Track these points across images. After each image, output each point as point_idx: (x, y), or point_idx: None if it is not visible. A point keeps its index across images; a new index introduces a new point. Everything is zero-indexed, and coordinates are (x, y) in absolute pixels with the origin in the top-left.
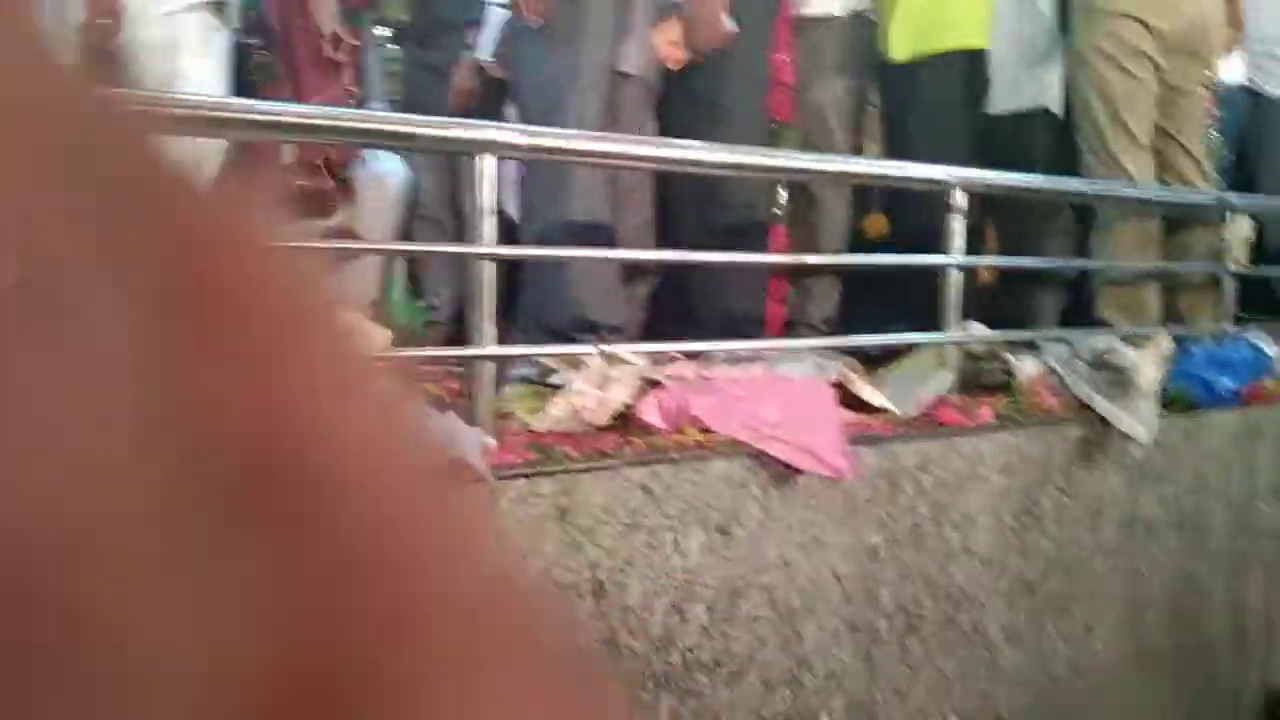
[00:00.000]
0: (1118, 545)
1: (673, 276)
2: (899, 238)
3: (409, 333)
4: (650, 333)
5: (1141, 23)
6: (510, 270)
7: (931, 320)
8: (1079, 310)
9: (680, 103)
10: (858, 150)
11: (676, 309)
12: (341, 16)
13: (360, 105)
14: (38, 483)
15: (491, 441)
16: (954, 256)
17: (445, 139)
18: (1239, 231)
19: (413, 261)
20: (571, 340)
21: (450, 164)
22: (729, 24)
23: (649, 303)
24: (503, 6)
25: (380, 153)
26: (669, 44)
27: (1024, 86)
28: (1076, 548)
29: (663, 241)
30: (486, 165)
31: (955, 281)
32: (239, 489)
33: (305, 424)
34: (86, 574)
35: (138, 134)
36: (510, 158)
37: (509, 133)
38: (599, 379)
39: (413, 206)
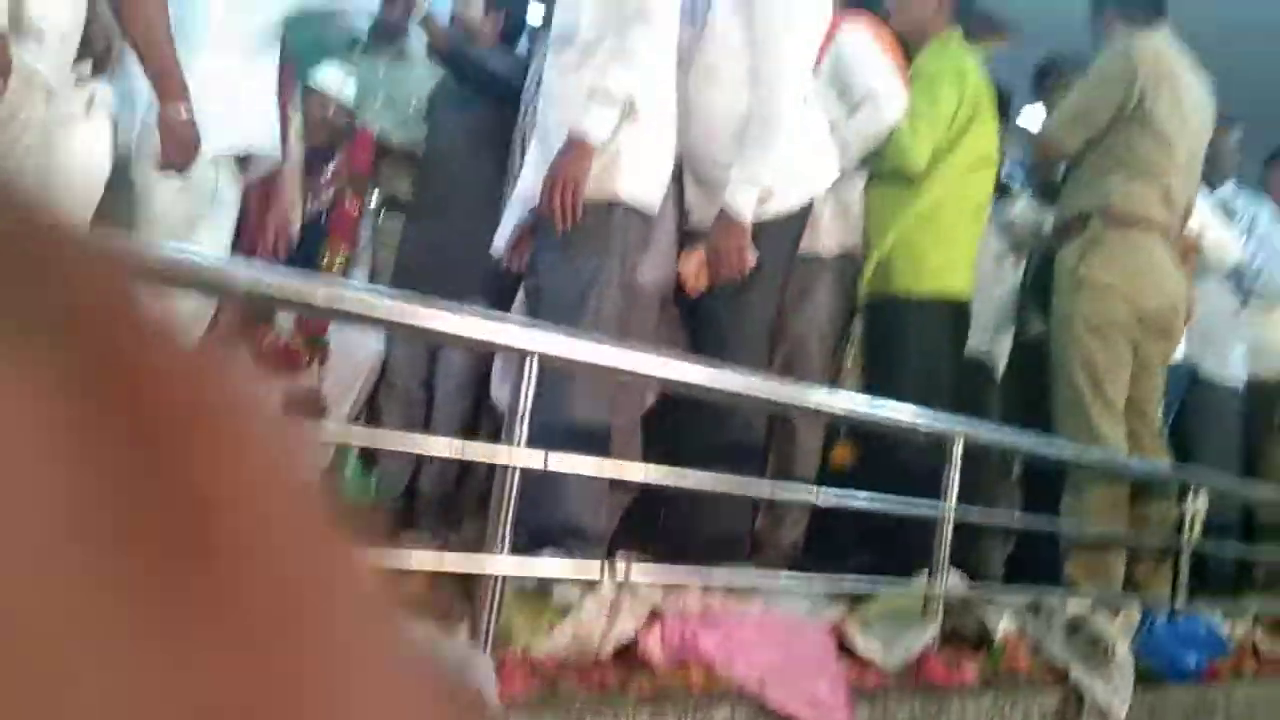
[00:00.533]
0: None
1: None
2: (866, 469)
3: (364, 511)
4: (625, 545)
5: (1128, 300)
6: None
7: (899, 557)
8: (1039, 568)
9: (692, 326)
10: (834, 380)
11: (653, 520)
12: (347, 185)
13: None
14: None
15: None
16: (949, 506)
17: (495, 341)
18: (1199, 507)
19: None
20: (555, 544)
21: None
22: (752, 258)
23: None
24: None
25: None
26: (695, 273)
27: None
28: None
29: (650, 446)
30: (532, 368)
31: (947, 532)
32: None
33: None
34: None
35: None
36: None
37: (559, 339)
38: (608, 604)
39: (381, 374)
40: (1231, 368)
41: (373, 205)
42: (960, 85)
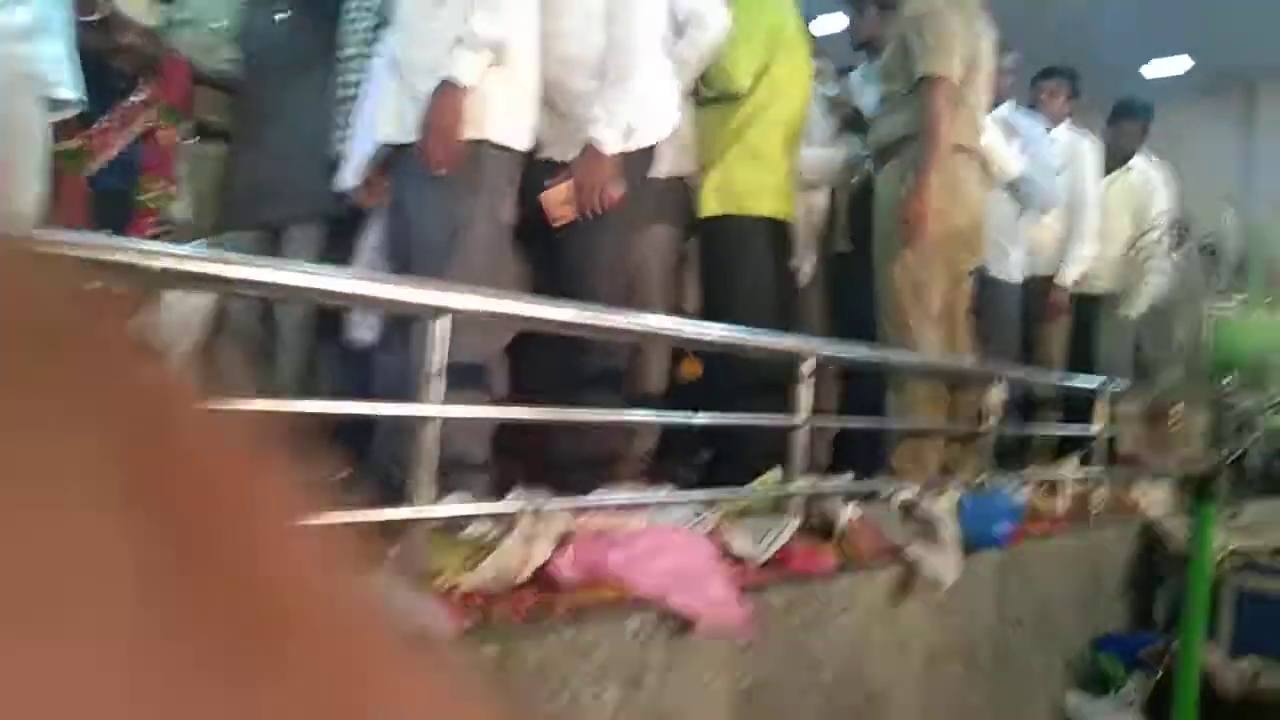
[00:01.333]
0: (920, 674)
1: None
2: (711, 379)
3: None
4: (505, 467)
5: (944, 220)
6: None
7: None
8: (857, 456)
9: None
10: (678, 301)
11: (531, 444)
12: (159, 116)
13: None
14: None
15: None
16: (801, 418)
17: (403, 303)
18: (998, 396)
19: None
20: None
21: (259, 254)
22: (616, 191)
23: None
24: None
25: None
26: (560, 205)
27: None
28: (897, 677)
29: (516, 367)
30: (441, 328)
31: (803, 441)
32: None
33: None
34: None
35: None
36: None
37: (469, 298)
38: (525, 535)
39: (220, 318)
40: (1012, 268)
41: (185, 135)
42: (768, 20)
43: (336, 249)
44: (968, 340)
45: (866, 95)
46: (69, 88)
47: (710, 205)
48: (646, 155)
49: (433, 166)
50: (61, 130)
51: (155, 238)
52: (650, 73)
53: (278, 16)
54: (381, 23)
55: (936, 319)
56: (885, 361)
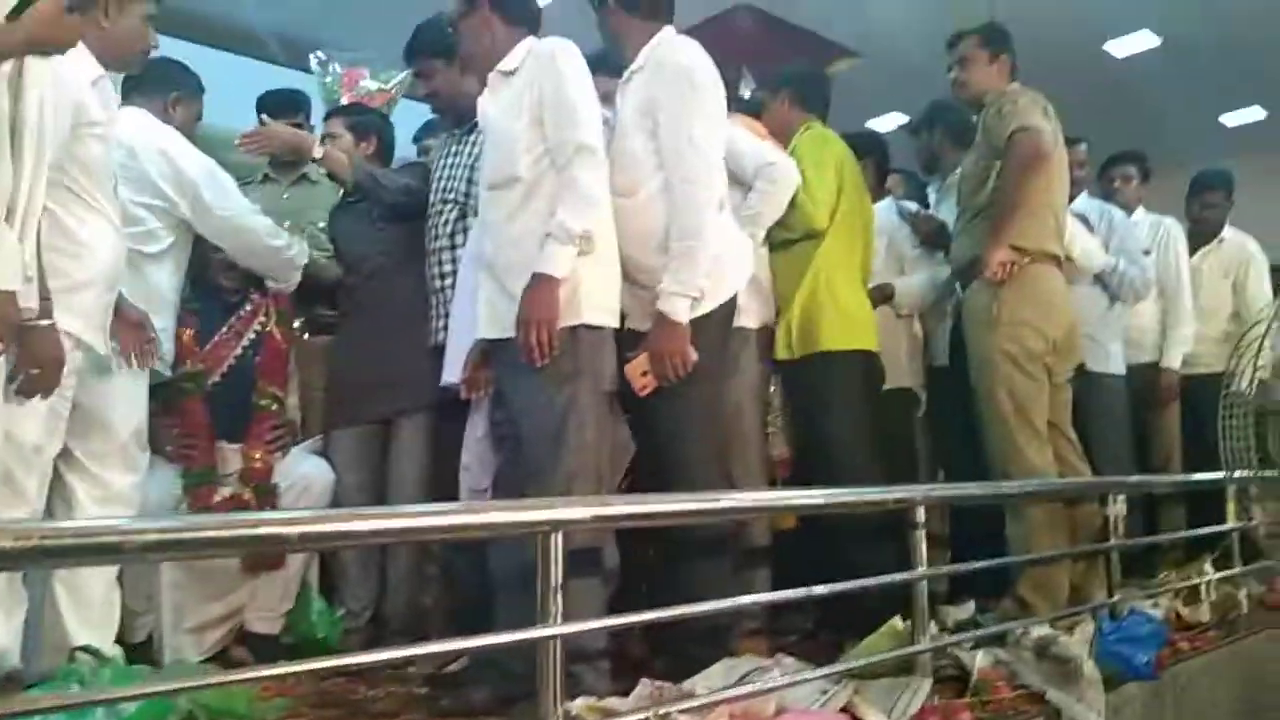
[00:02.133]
0: None
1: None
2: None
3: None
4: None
5: (1040, 331)
6: None
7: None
8: (996, 590)
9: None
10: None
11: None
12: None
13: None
14: None
15: None
16: (920, 570)
17: (515, 524)
18: (1120, 509)
19: (324, 569)
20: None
21: (369, 460)
22: (693, 355)
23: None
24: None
25: (303, 455)
26: (641, 375)
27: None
28: None
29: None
30: (557, 543)
31: (924, 593)
32: None
33: None
34: None
35: None
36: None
37: (578, 508)
38: None
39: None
40: (1113, 361)
41: (294, 335)
42: (835, 157)
43: (444, 436)
44: (1078, 450)
45: (942, 214)
46: (163, 365)
47: (794, 346)
48: (726, 309)
49: (534, 359)
50: (180, 353)
51: (273, 441)
52: (716, 234)
53: (377, 224)
54: (465, 213)
55: (1045, 436)
56: (999, 495)
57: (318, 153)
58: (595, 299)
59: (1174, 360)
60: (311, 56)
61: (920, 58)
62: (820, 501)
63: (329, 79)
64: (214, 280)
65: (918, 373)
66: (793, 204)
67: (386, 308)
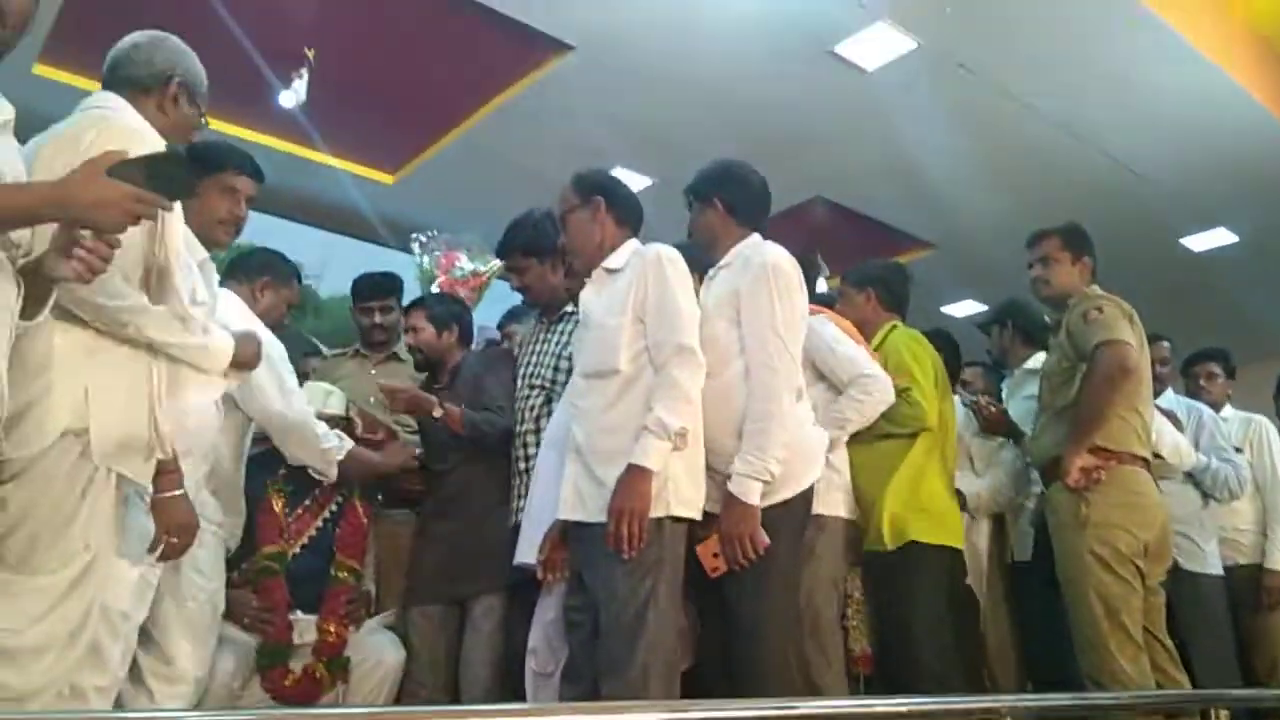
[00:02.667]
0: None
1: None
2: None
3: None
4: None
5: (1130, 533)
6: None
7: None
8: None
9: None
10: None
11: None
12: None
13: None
14: None
15: None
16: None
17: None
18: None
19: None
20: None
21: (443, 639)
22: (764, 539)
23: None
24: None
25: (377, 629)
26: (713, 556)
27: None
28: None
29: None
30: None
31: None
32: None
33: None
34: None
35: None
36: None
37: (653, 714)
38: None
39: (403, 682)
40: (1210, 561)
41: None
42: (930, 357)
43: (514, 616)
44: (1175, 658)
45: (1012, 407)
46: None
47: (884, 539)
48: (804, 498)
49: (624, 549)
50: (267, 527)
51: (347, 614)
52: (793, 421)
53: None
54: (550, 398)
55: (1139, 643)
56: (1090, 704)
57: (437, 412)
58: (683, 492)
59: (1277, 561)
60: (413, 238)
61: (993, 248)
62: (904, 710)
63: (427, 261)
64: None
65: (979, 571)
66: (904, 401)
67: (469, 492)
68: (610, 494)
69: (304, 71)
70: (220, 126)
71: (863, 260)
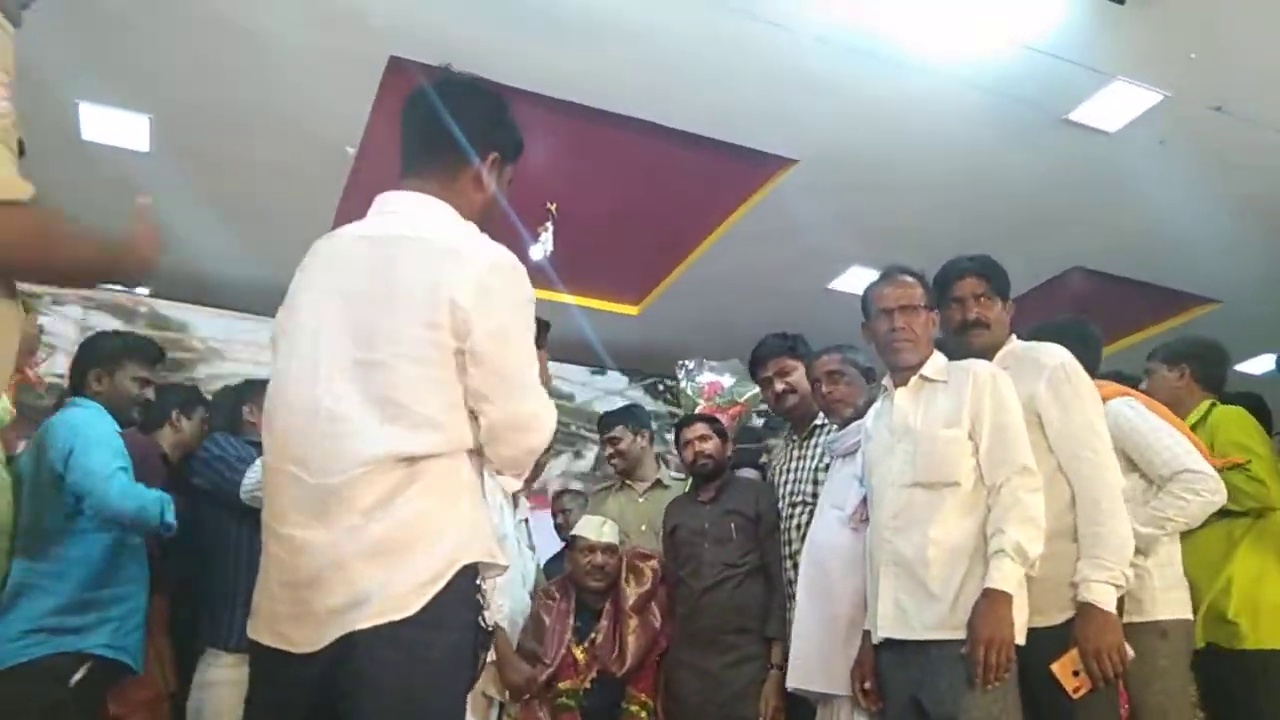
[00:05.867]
0: None
1: None
2: None
3: None
4: None
5: None
6: None
7: None
8: None
9: None
10: None
11: None
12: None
13: None
14: None
15: None
16: None
17: None
18: None
19: None
20: None
21: None
22: (1129, 649)
23: None
24: None
25: None
26: (1071, 675)
27: None
28: None
29: None
30: None
31: None
32: None
33: None
34: None
35: None
36: None
37: None
38: None
39: None
40: None
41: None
42: (1261, 434)
43: None
44: None
45: None
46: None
47: (1216, 635)
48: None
49: (989, 679)
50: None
51: None
52: (1125, 512)
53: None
54: (811, 514)
55: None
56: None
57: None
58: (1021, 616)
59: None
60: (679, 365)
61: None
62: None
63: (690, 388)
64: (581, 583)
65: None
66: (1243, 476)
67: (726, 613)
68: (946, 609)
69: (549, 224)
70: None
71: (1137, 325)
